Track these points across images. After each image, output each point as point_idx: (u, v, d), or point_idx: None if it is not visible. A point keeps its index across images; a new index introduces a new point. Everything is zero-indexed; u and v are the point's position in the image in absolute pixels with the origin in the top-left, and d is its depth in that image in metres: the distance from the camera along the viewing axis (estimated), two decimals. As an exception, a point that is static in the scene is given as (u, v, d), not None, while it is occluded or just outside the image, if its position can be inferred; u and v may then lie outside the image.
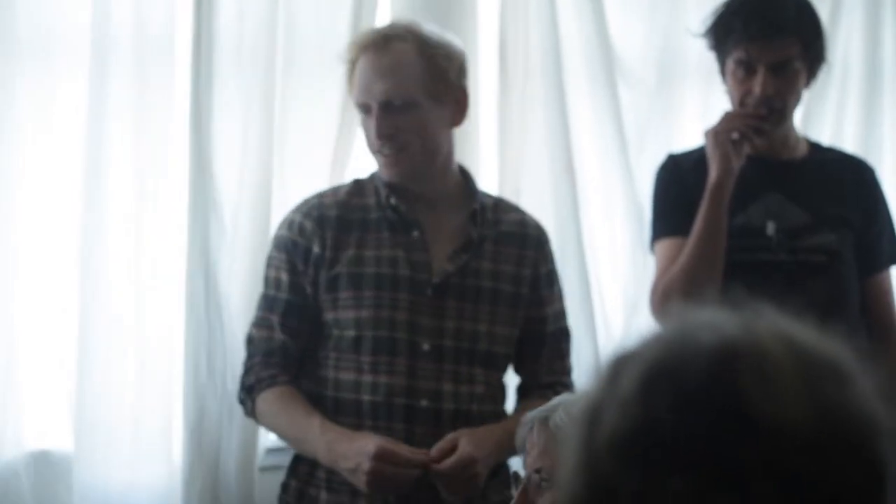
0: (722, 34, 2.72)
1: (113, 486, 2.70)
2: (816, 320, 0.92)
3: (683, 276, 2.63)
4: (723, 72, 2.75)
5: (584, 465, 0.90)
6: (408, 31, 2.47)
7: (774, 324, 0.90)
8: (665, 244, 2.77)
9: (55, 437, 2.71)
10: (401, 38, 2.45)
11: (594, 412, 0.91)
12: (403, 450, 2.33)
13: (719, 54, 2.75)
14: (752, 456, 0.85)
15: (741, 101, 2.71)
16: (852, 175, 2.85)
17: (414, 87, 2.43)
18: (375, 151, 2.47)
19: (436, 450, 2.35)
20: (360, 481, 2.32)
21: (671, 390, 0.88)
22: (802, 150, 2.82)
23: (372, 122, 2.43)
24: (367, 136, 2.48)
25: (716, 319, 0.91)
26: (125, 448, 2.71)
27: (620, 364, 0.92)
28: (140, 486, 2.73)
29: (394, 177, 2.47)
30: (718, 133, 2.66)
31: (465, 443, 2.35)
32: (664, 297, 2.67)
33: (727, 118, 2.69)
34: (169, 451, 2.74)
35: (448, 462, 2.34)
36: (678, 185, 2.78)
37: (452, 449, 2.35)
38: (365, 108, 2.45)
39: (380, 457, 2.29)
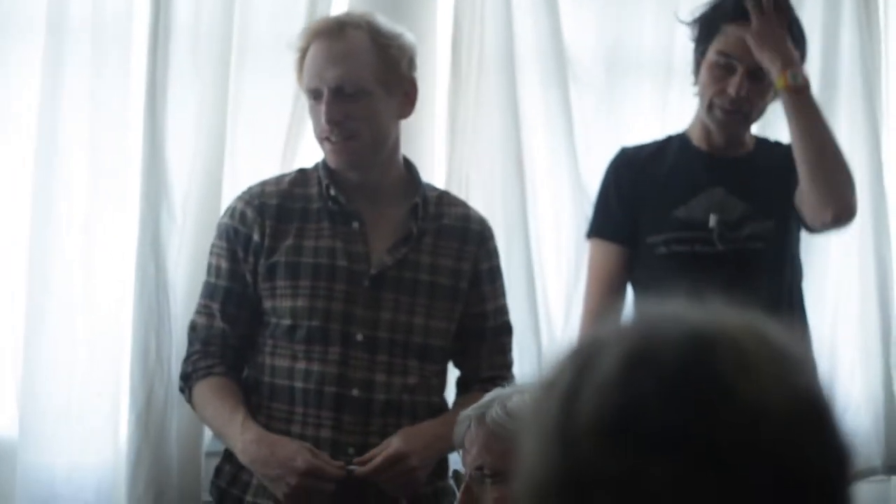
0: (712, 16, 2.72)
1: (58, 470, 2.72)
2: (759, 309, 0.94)
3: None
4: (698, 67, 2.75)
5: (559, 450, 0.90)
6: (362, 20, 2.47)
7: (739, 316, 0.93)
8: (599, 246, 2.81)
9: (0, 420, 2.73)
10: (355, 27, 2.45)
11: (569, 397, 0.91)
12: (327, 465, 2.33)
13: (702, 41, 2.73)
14: (737, 437, 0.87)
15: (710, 101, 2.72)
16: (791, 162, 2.88)
17: (366, 74, 2.43)
18: (323, 139, 2.46)
19: (368, 454, 2.36)
20: (279, 491, 2.34)
21: (652, 375, 0.89)
22: (749, 146, 2.85)
23: (322, 109, 2.42)
24: (316, 123, 2.47)
25: (681, 311, 0.93)
26: (71, 431, 2.73)
27: (591, 351, 0.93)
28: (86, 469, 2.75)
29: (340, 164, 2.46)
30: None
31: (396, 440, 2.37)
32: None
33: None
34: (116, 434, 2.76)
35: (373, 463, 2.35)
36: (622, 184, 2.80)
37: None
38: (315, 94, 2.44)
39: (308, 473, 2.31)
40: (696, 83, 2.77)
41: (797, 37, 2.73)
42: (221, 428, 2.45)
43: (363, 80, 2.42)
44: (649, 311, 0.95)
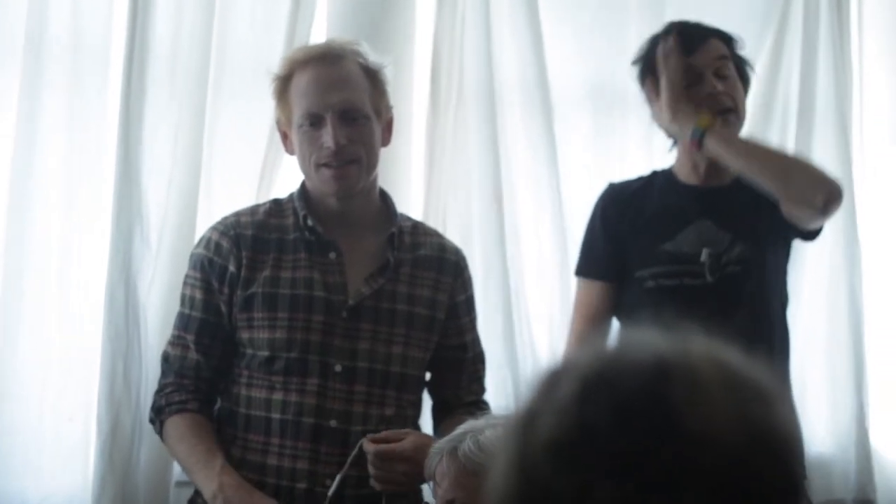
0: (653, 55, 2.75)
1: (30, 496, 2.70)
2: (742, 343, 0.96)
3: None
4: (656, 94, 2.77)
5: (517, 468, 0.93)
6: (352, 48, 2.48)
7: (704, 345, 0.95)
8: (585, 284, 2.83)
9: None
10: (349, 54, 2.46)
11: (530, 418, 0.94)
12: None
13: (652, 76, 2.77)
14: (682, 465, 0.89)
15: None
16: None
17: (366, 99, 2.45)
18: (320, 165, 2.44)
19: (382, 435, 2.35)
20: None
21: (607, 400, 0.91)
22: (730, 176, 2.88)
23: (323, 133, 2.41)
24: (310, 150, 2.43)
25: (650, 339, 0.95)
26: (42, 458, 2.71)
27: (557, 375, 0.95)
28: (58, 496, 2.74)
29: (339, 190, 2.43)
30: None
31: (416, 434, 2.37)
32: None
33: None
34: (87, 460, 2.74)
35: (408, 441, 2.33)
36: (609, 221, 2.81)
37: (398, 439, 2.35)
38: (314, 119, 2.43)
39: None
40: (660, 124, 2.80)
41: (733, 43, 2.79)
42: (194, 467, 2.41)
43: (364, 105, 2.44)
44: (621, 339, 0.97)
